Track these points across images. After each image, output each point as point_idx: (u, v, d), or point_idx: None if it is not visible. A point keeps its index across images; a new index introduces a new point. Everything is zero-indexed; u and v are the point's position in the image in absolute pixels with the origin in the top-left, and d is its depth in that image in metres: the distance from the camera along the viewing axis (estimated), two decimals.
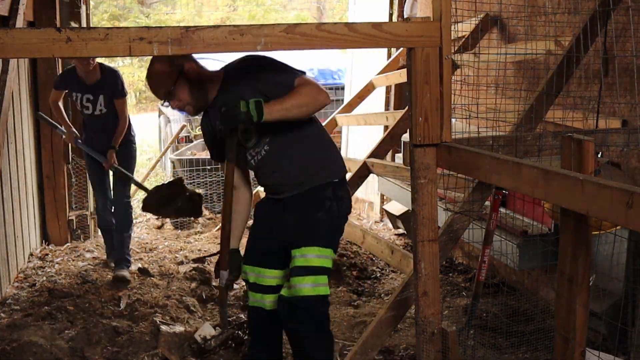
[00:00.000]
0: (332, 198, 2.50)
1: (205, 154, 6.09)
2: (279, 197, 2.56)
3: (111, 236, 4.51)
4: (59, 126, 4.44)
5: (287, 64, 2.49)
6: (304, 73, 2.45)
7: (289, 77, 2.40)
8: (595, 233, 2.28)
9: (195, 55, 2.47)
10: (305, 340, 2.44)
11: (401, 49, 5.22)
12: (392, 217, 5.29)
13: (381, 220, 5.82)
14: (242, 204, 2.67)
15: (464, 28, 4.08)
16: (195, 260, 4.63)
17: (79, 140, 4.39)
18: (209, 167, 6.00)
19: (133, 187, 4.57)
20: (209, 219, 6.21)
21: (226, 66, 2.58)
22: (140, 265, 4.48)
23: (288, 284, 2.46)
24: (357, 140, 6.51)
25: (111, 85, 4.21)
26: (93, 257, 4.78)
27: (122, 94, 4.26)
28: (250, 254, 2.65)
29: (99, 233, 4.97)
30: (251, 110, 2.25)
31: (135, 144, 4.50)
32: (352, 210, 2.67)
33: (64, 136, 4.48)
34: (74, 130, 4.41)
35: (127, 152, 4.39)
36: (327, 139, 2.63)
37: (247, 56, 2.53)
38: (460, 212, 2.67)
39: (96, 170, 4.39)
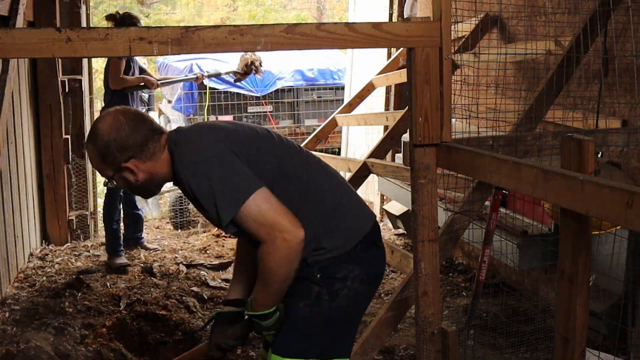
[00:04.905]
0: None
1: None
2: None
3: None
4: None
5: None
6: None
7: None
8: (595, 233, 2.29)
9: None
10: None
11: (401, 49, 5.22)
12: (392, 217, 5.28)
13: (381, 220, 5.82)
14: None
15: (464, 28, 4.08)
16: (187, 266, 4.58)
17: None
18: None
19: None
20: None
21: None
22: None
23: None
24: (357, 140, 6.51)
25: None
26: (94, 257, 4.77)
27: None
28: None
29: (99, 233, 5.08)
30: None
31: None
32: None
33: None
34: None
35: None
36: None
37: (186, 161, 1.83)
38: (460, 212, 2.67)
39: None
